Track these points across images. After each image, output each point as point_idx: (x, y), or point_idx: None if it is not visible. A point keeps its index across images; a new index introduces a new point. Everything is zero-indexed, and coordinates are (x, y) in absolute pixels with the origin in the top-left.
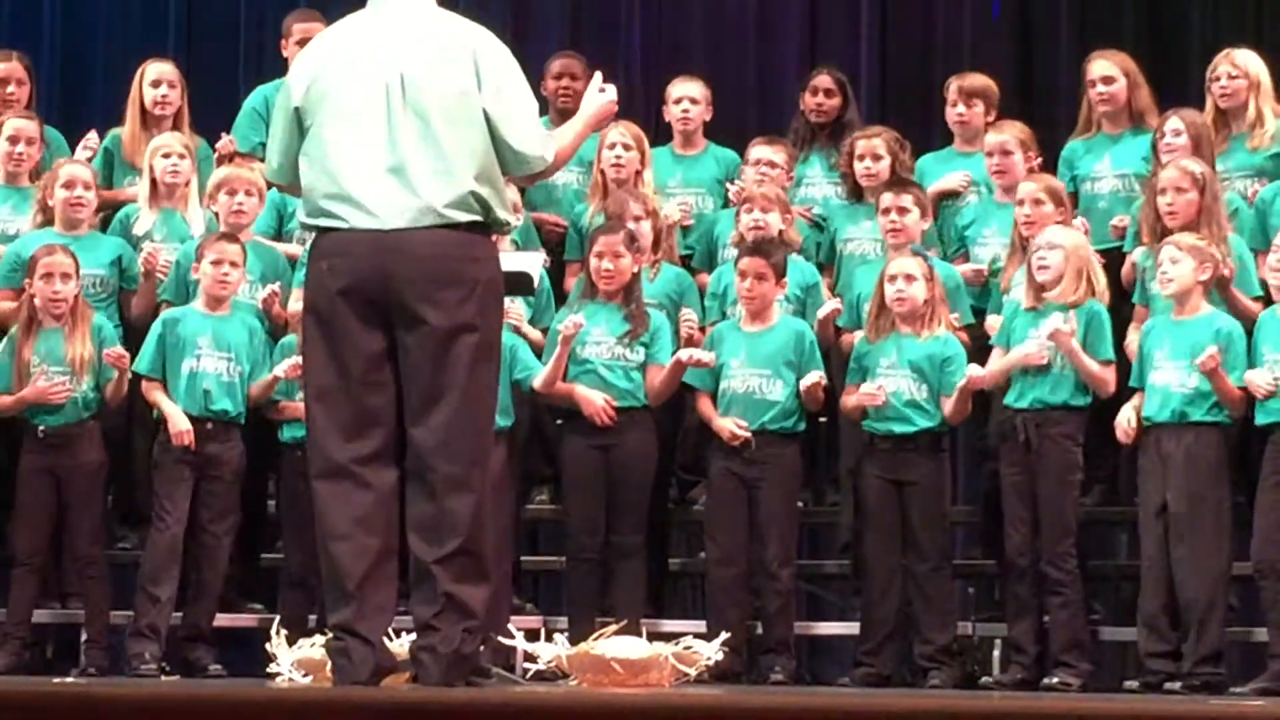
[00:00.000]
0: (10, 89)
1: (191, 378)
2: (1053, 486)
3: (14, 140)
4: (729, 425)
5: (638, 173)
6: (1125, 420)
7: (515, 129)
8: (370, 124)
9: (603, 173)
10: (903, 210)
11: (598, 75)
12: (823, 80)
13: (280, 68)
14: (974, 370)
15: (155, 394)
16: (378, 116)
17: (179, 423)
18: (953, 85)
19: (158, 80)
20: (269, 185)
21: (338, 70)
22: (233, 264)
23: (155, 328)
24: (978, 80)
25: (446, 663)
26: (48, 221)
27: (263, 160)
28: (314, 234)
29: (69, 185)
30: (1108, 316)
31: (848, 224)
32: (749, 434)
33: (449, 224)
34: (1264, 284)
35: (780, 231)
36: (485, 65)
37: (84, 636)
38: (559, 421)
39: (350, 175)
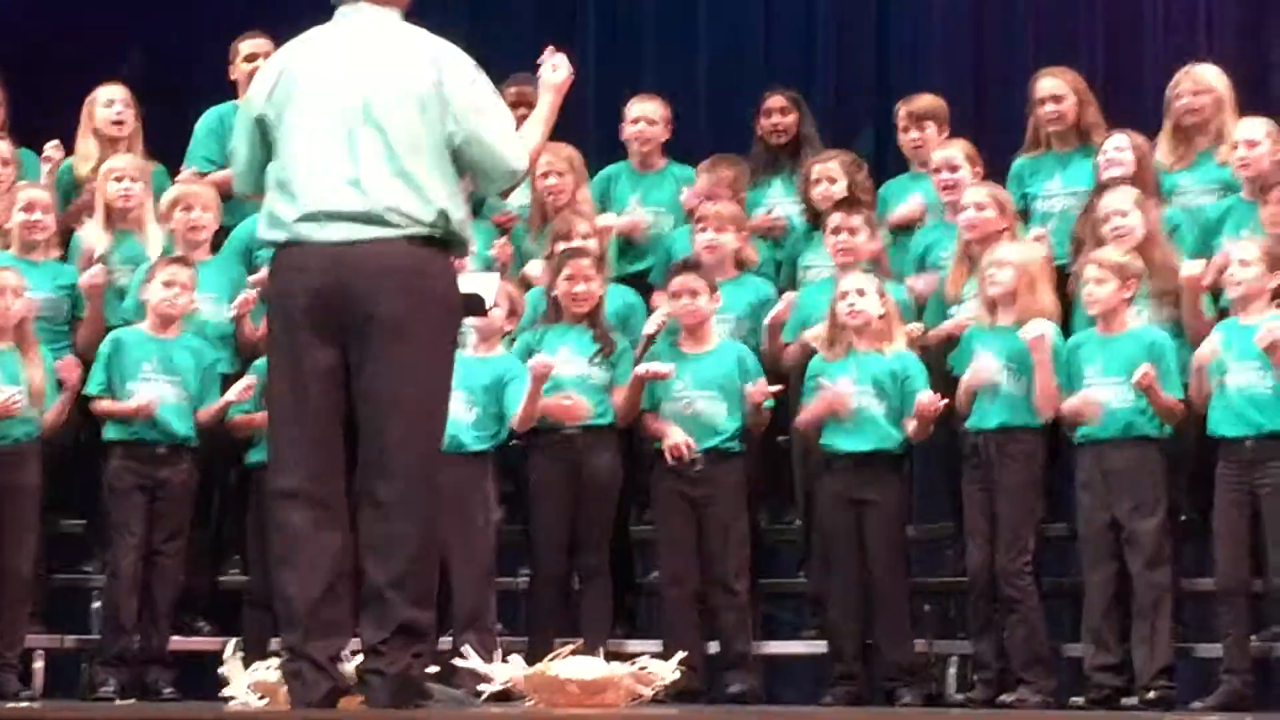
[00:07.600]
0: None
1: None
2: (1010, 505)
3: None
4: (680, 442)
5: (574, 193)
6: (1078, 400)
7: (491, 143)
8: (331, 140)
9: (542, 202)
10: (853, 230)
11: (548, 50)
12: (775, 101)
13: (229, 90)
14: (924, 397)
15: (104, 404)
16: (338, 132)
17: (138, 400)
18: (901, 111)
19: (110, 101)
20: (241, 196)
21: (300, 84)
22: (183, 286)
23: (103, 348)
24: (925, 101)
25: (395, 685)
26: (6, 245)
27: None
28: (274, 250)
29: (27, 209)
30: (1058, 335)
31: (809, 250)
32: (698, 454)
33: (406, 238)
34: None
35: (736, 250)
36: (451, 80)
37: None
38: (514, 442)
39: (309, 190)
